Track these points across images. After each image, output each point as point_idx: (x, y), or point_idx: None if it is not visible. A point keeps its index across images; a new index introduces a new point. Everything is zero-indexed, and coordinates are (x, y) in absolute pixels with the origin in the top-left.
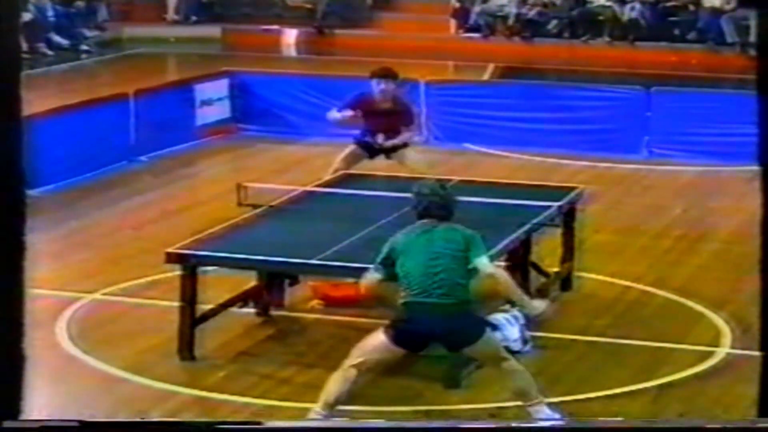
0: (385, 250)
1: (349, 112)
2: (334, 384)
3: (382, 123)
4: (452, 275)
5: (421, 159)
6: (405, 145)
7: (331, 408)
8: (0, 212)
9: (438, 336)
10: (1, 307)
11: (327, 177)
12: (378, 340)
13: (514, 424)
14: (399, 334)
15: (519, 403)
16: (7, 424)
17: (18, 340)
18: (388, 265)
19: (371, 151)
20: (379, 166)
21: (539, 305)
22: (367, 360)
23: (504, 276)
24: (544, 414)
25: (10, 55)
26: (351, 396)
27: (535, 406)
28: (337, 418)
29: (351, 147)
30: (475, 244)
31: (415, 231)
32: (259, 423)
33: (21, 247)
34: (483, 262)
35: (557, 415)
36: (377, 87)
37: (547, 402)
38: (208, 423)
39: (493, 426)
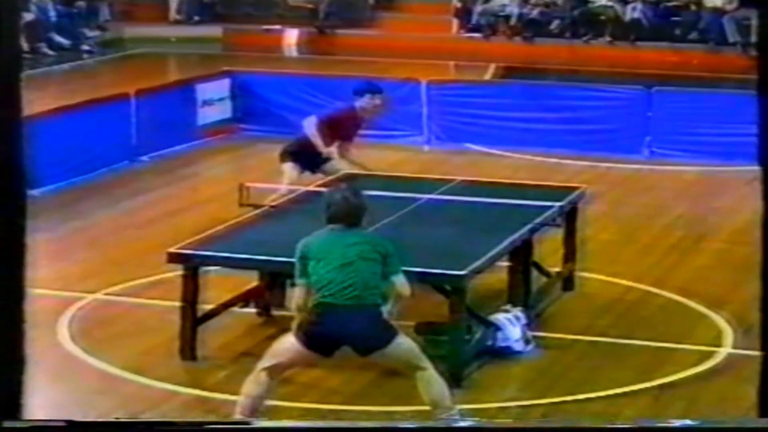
0: (297, 257)
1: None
2: (248, 389)
3: (350, 136)
4: (365, 280)
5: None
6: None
7: (250, 414)
8: (0, 212)
9: (348, 339)
10: (2, 307)
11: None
12: (288, 343)
13: (514, 425)
14: (309, 337)
15: (520, 403)
16: (7, 424)
17: (18, 340)
18: (304, 268)
19: (317, 163)
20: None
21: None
22: (278, 363)
23: (407, 291)
24: (459, 422)
25: (10, 55)
26: (265, 400)
27: (449, 417)
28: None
29: (290, 164)
30: (391, 256)
31: (326, 235)
32: (247, 423)
33: (22, 247)
34: (401, 281)
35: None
36: (371, 101)
37: (459, 412)
38: (198, 423)
39: (493, 426)
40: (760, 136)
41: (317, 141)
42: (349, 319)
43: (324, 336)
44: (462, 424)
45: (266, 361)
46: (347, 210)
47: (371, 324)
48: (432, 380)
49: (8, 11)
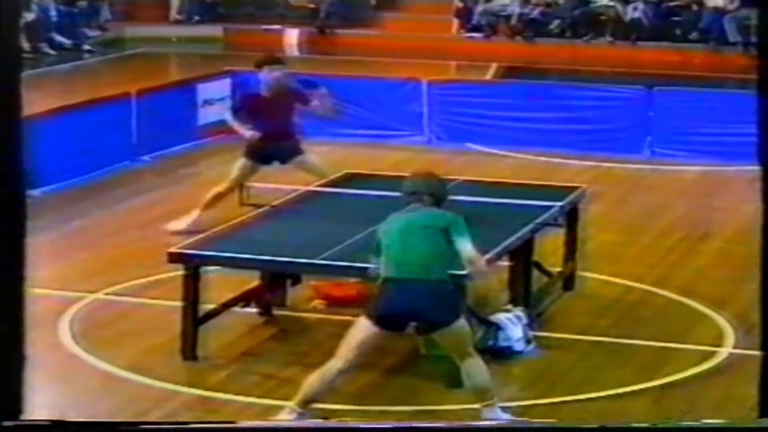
0: (375, 238)
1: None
2: (319, 380)
3: (277, 118)
4: (428, 251)
5: (320, 162)
6: (299, 150)
7: (308, 405)
8: (0, 212)
9: (413, 313)
10: (2, 307)
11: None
12: (362, 325)
13: (514, 424)
14: (378, 313)
15: (521, 402)
16: (7, 423)
17: (18, 340)
18: (378, 249)
19: (266, 156)
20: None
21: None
22: (352, 358)
23: (481, 260)
24: (495, 415)
25: (10, 55)
26: (331, 393)
27: (490, 407)
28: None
29: (242, 160)
30: (457, 225)
31: (395, 217)
32: (232, 422)
33: (21, 247)
34: (466, 246)
35: (506, 416)
36: (269, 74)
37: (501, 405)
38: (198, 422)
39: (493, 426)
40: (760, 136)
41: (235, 126)
42: (414, 293)
43: (391, 311)
44: (500, 419)
45: (339, 361)
46: (427, 190)
47: (436, 298)
48: (481, 370)
49: (9, 11)
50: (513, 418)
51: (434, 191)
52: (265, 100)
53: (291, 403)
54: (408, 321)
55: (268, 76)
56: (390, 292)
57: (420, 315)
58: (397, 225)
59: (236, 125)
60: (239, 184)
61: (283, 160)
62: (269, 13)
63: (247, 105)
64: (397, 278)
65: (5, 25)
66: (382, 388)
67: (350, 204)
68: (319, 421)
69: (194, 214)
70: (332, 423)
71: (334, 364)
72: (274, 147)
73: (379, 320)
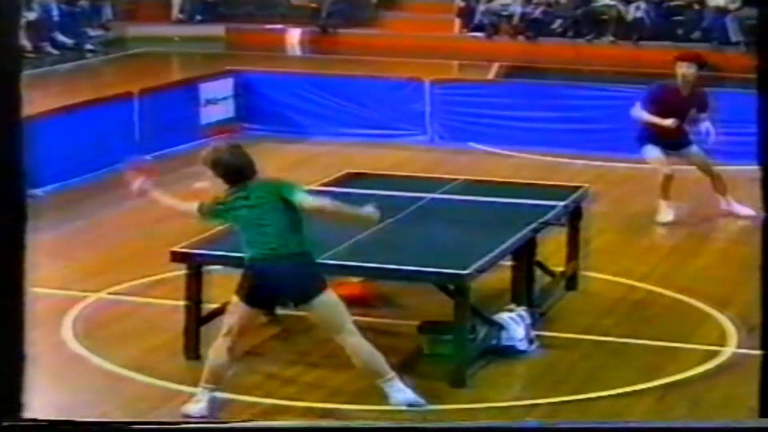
0: (211, 213)
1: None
2: (211, 357)
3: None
4: (279, 227)
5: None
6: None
7: (216, 383)
8: (0, 212)
9: (280, 289)
10: (2, 307)
11: None
12: (234, 305)
13: (514, 425)
14: (248, 294)
15: (524, 402)
16: (7, 423)
17: (18, 340)
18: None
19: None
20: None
21: (369, 210)
22: (231, 327)
23: (328, 202)
24: (398, 389)
25: (10, 56)
26: (229, 369)
27: (389, 382)
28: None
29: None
30: (289, 187)
31: (231, 197)
32: (225, 422)
33: (21, 247)
34: (305, 199)
35: (415, 397)
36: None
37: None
38: (197, 422)
39: (493, 426)
40: (759, 136)
41: (652, 119)
42: (277, 270)
43: (258, 290)
44: (462, 424)
45: (223, 330)
46: (239, 164)
47: (300, 272)
48: (360, 345)
49: (8, 11)
50: (418, 398)
51: (249, 162)
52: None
53: (201, 384)
54: (275, 298)
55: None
56: (254, 273)
57: (287, 290)
58: (240, 210)
59: (650, 117)
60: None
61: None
62: (271, 12)
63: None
64: (258, 258)
65: (5, 26)
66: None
67: (353, 203)
68: (319, 421)
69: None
70: (332, 423)
71: (220, 342)
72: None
73: (249, 300)
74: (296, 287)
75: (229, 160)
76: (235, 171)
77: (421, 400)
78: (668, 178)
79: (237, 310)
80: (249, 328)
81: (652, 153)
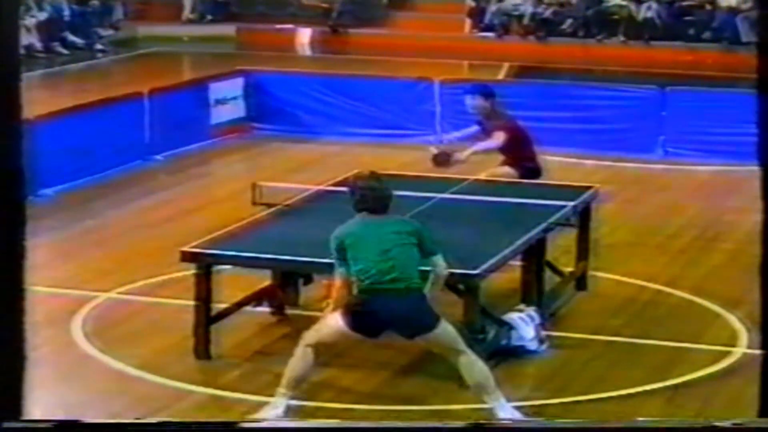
0: (334, 247)
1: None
2: (296, 364)
3: None
4: (404, 263)
5: None
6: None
7: (294, 388)
8: (0, 213)
9: (393, 322)
10: (2, 307)
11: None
12: (336, 325)
13: (518, 424)
14: (356, 320)
15: (534, 402)
16: (7, 424)
17: (18, 340)
18: (343, 258)
19: None
20: None
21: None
22: (323, 342)
23: (445, 275)
24: (506, 410)
25: (10, 56)
26: (309, 376)
27: (496, 401)
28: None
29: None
30: (427, 237)
31: (360, 224)
32: (225, 422)
33: (21, 248)
34: (440, 261)
35: (518, 414)
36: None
37: (514, 404)
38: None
39: (496, 426)
40: (760, 136)
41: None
42: (393, 304)
43: (370, 320)
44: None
45: (311, 338)
46: (375, 197)
47: (415, 308)
48: (474, 364)
49: (8, 12)
50: (524, 416)
51: (388, 196)
52: None
53: (280, 388)
54: (384, 329)
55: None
56: (368, 304)
57: (400, 325)
58: (367, 238)
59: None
60: None
61: None
62: (282, 12)
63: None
64: (376, 290)
65: (5, 26)
66: (395, 387)
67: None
68: (320, 421)
69: None
70: (332, 423)
71: (308, 352)
72: None
73: (355, 328)
74: (413, 322)
75: (380, 188)
76: (382, 200)
77: (525, 418)
78: None
79: (336, 329)
80: (337, 347)
81: None
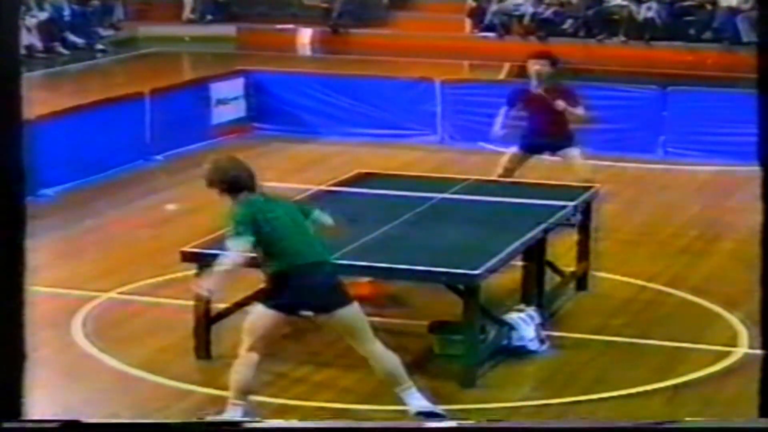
0: (242, 219)
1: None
2: (241, 372)
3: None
4: (317, 238)
5: (584, 165)
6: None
7: (244, 396)
8: (0, 212)
9: (312, 297)
10: (2, 307)
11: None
12: (258, 312)
13: (515, 425)
14: (275, 298)
15: (534, 402)
16: (7, 424)
17: (19, 340)
18: (249, 233)
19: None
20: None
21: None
22: (259, 337)
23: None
24: (416, 398)
25: (10, 56)
26: (254, 383)
27: (406, 390)
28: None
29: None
30: (304, 205)
31: (262, 202)
32: (226, 422)
33: (21, 248)
34: (322, 215)
35: (427, 403)
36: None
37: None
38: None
39: (494, 426)
40: (760, 136)
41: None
42: (312, 279)
43: (289, 297)
44: (464, 424)
45: (246, 341)
46: (250, 175)
47: (331, 282)
48: (384, 354)
49: (8, 12)
50: (434, 406)
51: (254, 176)
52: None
53: (230, 398)
54: (304, 306)
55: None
56: (287, 280)
57: (316, 298)
58: (276, 209)
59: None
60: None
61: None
62: (282, 12)
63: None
64: (299, 264)
65: (5, 26)
66: None
67: (363, 203)
68: (320, 421)
69: None
70: (333, 423)
71: (251, 356)
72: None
73: (275, 306)
74: (327, 296)
75: (235, 169)
76: (244, 180)
77: (436, 408)
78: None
79: (261, 317)
80: (273, 339)
81: None
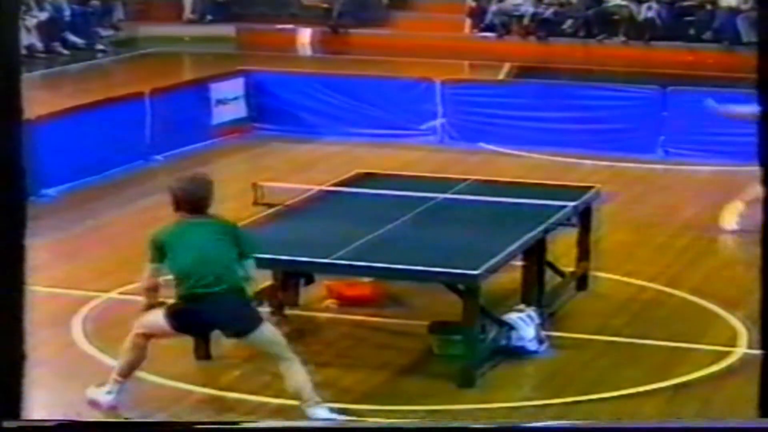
0: (151, 245)
1: None
2: (128, 353)
3: None
4: (224, 264)
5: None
6: None
7: (127, 375)
8: (0, 213)
9: (217, 322)
10: (2, 307)
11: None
12: (161, 320)
13: (513, 425)
14: (180, 322)
15: (534, 402)
16: (7, 424)
17: (18, 340)
18: (157, 258)
19: None
20: None
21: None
22: (151, 333)
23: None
24: (322, 415)
25: (10, 56)
26: (142, 361)
27: (312, 407)
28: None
29: None
30: (244, 239)
31: (177, 225)
32: (227, 422)
33: (21, 248)
34: (252, 264)
35: (334, 415)
36: None
37: (326, 404)
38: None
39: (493, 427)
40: (761, 136)
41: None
42: (216, 305)
43: (193, 322)
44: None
45: (141, 329)
46: (188, 198)
47: (238, 308)
48: (296, 370)
49: (9, 14)
50: (339, 417)
51: (202, 197)
52: None
53: (114, 375)
54: (210, 329)
55: None
56: (190, 306)
57: (223, 325)
58: (185, 234)
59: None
60: None
61: None
62: (282, 12)
63: None
64: (197, 293)
65: (4, 25)
66: (395, 387)
67: (364, 203)
68: (320, 421)
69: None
70: (332, 423)
71: (138, 340)
72: None
73: (180, 329)
74: (236, 322)
75: (182, 189)
76: (182, 200)
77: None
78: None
79: (161, 328)
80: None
81: None
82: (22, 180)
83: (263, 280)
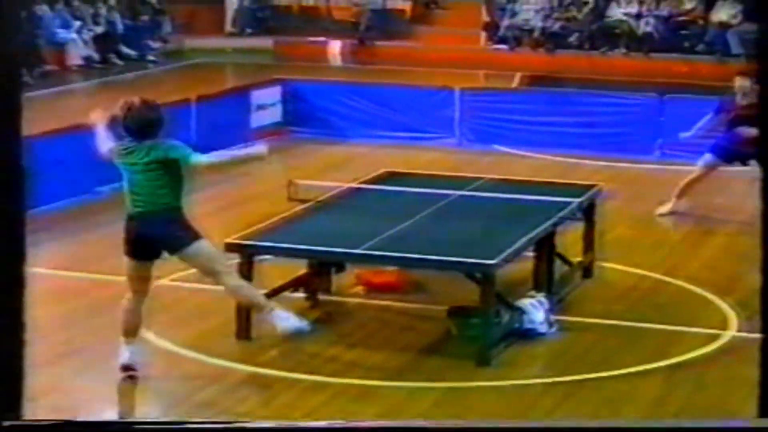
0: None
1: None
2: (122, 316)
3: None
4: (150, 190)
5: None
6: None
7: (130, 335)
8: (0, 213)
9: (155, 241)
10: (1, 307)
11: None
12: (124, 261)
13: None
14: (127, 246)
15: (543, 380)
16: (7, 423)
17: (18, 340)
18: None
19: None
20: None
21: (260, 148)
22: (130, 287)
23: (216, 156)
24: (282, 316)
25: (9, 65)
26: (138, 318)
27: (270, 313)
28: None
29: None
30: (177, 149)
31: (123, 148)
32: (231, 422)
33: (21, 248)
34: (197, 159)
35: (297, 320)
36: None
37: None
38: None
39: (493, 426)
40: (760, 136)
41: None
42: (148, 224)
43: (137, 242)
44: (461, 424)
45: (127, 294)
46: (137, 121)
47: (169, 226)
48: (238, 286)
49: (8, 20)
50: (302, 323)
51: (152, 120)
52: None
53: (122, 340)
54: (153, 249)
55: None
56: (131, 227)
57: (161, 243)
58: (124, 165)
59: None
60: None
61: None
62: (315, 26)
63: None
64: (133, 214)
65: (4, 31)
66: (418, 365)
67: (389, 199)
68: (320, 421)
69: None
70: (332, 423)
71: (124, 302)
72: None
73: (130, 253)
74: (169, 239)
75: (142, 114)
76: (144, 126)
77: (305, 325)
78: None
79: (126, 271)
80: (143, 279)
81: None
82: (23, 180)
83: (299, 268)
